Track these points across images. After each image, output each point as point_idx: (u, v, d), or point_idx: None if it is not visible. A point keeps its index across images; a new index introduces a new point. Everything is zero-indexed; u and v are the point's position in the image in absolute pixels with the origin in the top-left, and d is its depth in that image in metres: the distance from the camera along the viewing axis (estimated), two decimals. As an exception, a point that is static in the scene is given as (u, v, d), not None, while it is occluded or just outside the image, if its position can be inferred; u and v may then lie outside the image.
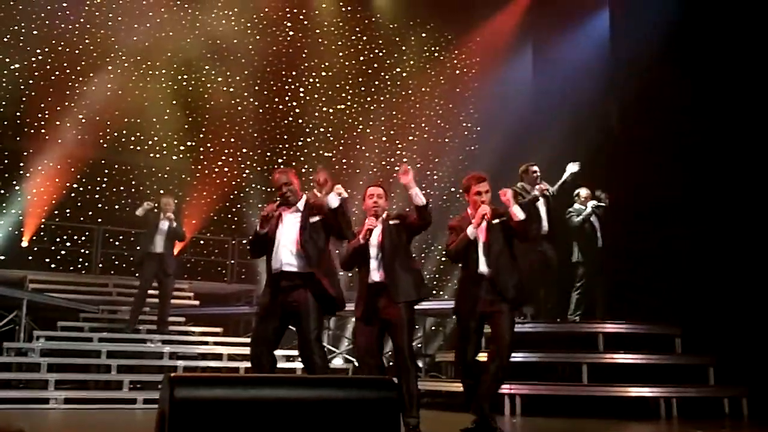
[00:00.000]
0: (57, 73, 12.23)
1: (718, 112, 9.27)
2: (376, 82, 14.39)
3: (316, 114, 13.85)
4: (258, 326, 4.82)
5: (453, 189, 14.05)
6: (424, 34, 14.86)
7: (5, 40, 11.93)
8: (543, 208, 7.99)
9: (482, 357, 5.22)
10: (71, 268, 11.94)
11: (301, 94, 13.94)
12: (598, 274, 8.49)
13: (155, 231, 9.07)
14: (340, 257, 5.22)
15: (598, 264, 8.49)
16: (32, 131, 11.98)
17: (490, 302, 4.96)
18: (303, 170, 12.38)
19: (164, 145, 12.93)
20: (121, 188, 12.55)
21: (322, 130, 13.82)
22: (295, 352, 9.10)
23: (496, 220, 5.01)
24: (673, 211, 9.45)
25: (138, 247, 9.73)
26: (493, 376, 4.92)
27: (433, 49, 14.89)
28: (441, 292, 12.87)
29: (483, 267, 5.01)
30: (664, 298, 9.12)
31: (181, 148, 13.03)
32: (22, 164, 11.86)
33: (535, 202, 7.82)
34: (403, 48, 14.64)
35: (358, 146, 13.91)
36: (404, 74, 14.55)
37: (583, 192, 8.63)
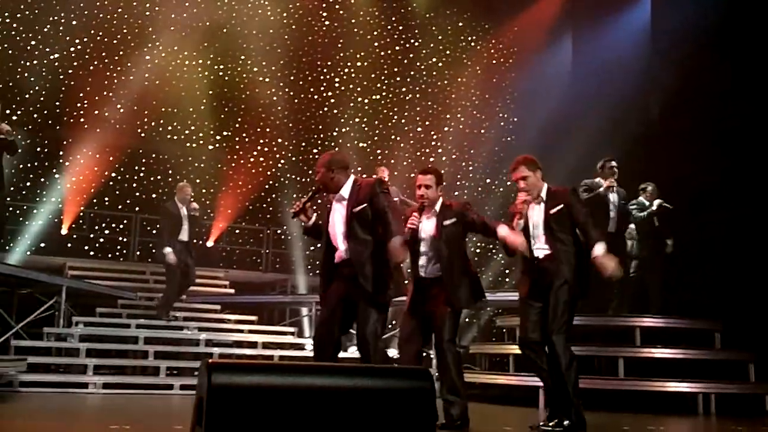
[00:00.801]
0: (96, 63, 12.41)
1: (757, 95, 9.06)
2: (412, 72, 14.31)
3: (351, 104, 13.83)
4: (321, 311, 4.67)
5: (488, 180, 13.95)
6: (460, 24, 14.74)
7: (45, 30, 12.14)
8: (613, 205, 7.68)
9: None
10: (109, 255, 12.13)
11: (337, 84, 13.93)
12: (655, 270, 8.29)
13: (179, 219, 9.14)
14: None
15: (653, 260, 8.29)
16: (71, 121, 12.18)
17: (547, 285, 4.76)
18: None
19: (200, 134, 13.05)
20: (158, 177, 12.71)
21: (357, 120, 13.79)
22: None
23: (557, 208, 4.78)
24: (711, 201, 9.25)
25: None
26: (565, 371, 4.69)
27: (469, 38, 14.76)
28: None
29: (537, 251, 4.84)
30: (703, 292, 8.95)
31: (217, 137, 13.13)
32: (61, 153, 12.07)
33: (602, 196, 7.55)
34: (440, 37, 14.54)
35: (393, 137, 13.87)
36: (440, 64, 14.46)
37: (650, 187, 8.37)
